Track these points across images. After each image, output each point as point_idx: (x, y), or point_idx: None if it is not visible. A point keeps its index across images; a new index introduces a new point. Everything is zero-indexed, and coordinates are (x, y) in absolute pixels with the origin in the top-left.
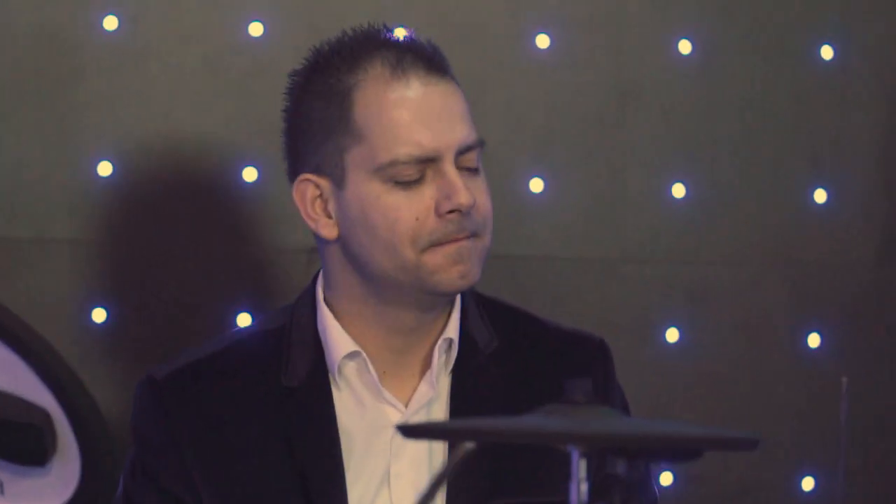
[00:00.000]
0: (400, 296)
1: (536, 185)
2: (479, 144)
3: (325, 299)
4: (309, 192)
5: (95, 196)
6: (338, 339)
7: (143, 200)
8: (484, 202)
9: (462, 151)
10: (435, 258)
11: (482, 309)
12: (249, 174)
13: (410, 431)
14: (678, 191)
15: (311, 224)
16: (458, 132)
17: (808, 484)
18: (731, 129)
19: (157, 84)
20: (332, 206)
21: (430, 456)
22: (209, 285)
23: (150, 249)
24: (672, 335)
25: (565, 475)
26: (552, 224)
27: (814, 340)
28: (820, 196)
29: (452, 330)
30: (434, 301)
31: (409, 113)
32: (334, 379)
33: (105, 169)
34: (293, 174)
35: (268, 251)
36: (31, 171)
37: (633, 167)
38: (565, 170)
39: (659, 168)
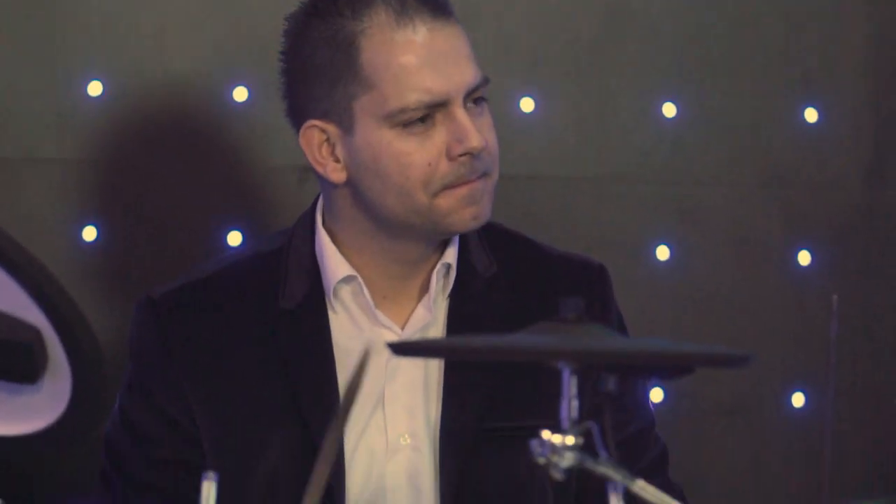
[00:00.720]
0: (409, 235)
1: (527, 104)
2: (486, 83)
3: (324, 224)
4: (315, 138)
5: (86, 116)
6: (334, 263)
7: (134, 120)
8: (493, 141)
9: (470, 92)
10: (448, 201)
11: (481, 234)
12: (240, 94)
13: (401, 349)
14: (669, 110)
15: (319, 169)
16: (467, 75)
17: (798, 400)
18: (721, 49)
19: (148, 3)
20: (339, 151)
21: (426, 379)
22: (199, 204)
23: (141, 168)
24: (662, 253)
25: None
26: (543, 144)
27: (804, 258)
28: (811, 115)
29: (451, 255)
30: (442, 238)
31: (417, 58)
32: (330, 302)
33: (95, 89)
34: (295, 117)
35: (258, 170)
36: (22, 90)
37: (624, 87)
38: (556, 89)
39: (649, 88)
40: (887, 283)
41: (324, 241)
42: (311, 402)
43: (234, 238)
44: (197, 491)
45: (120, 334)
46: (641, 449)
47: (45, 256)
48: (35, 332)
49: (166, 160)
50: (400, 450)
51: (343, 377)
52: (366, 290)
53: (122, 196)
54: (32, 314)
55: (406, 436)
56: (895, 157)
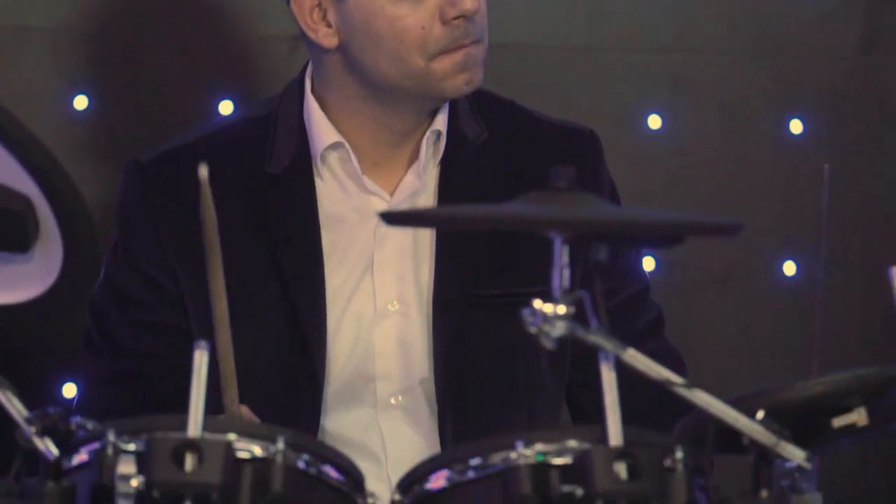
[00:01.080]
0: (400, 100)
1: None
2: None
3: (313, 91)
4: (307, 3)
5: None
6: (322, 129)
7: None
8: (483, 6)
9: None
10: (443, 65)
11: (472, 101)
12: None
13: (392, 218)
14: None
15: (311, 34)
16: None
17: (789, 269)
18: None
19: None
20: (331, 16)
21: (415, 245)
22: (191, 72)
23: (132, 37)
24: (654, 122)
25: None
26: (535, 12)
27: (796, 127)
28: None
29: (441, 122)
30: (433, 104)
31: None
32: (317, 168)
33: None
34: None
35: (250, 39)
36: None
37: None
38: None
39: None
40: (879, 152)
41: (312, 107)
42: (293, 266)
43: (226, 107)
44: (181, 356)
45: (110, 203)
46: (636, 314)
47: (35, 125)
48: (26, 202)
49: (158, 29)
50: (388, 315)
51: (328, 243)
52: (353, 157)
53: (114, 65)
54: (23, 184)
55: (395, 301)
56: (888, 25)
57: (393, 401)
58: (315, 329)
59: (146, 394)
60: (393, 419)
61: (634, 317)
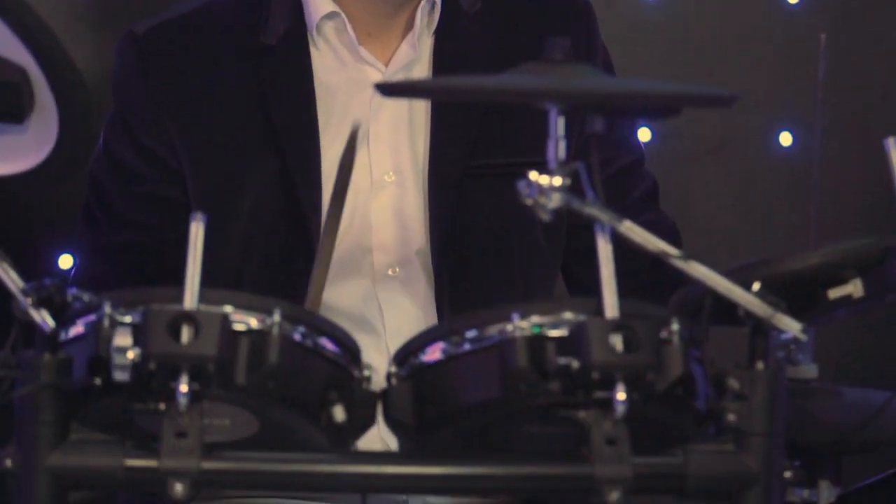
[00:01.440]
0: None
1: None
2: None
3: None
4: None
5: None
6: None
7: None
8: None
9: None
10: None
11: None
12: None
13: (389, 89)
14: None
15: None
16: None
17: (785, 139)
18: None
19: None
20: None
21: (410, 117)
22: None
23: None
24: None
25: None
26: None
27: None
28: None
29: None
30: None
31: None
32: (313, 38)
33: None
34: None
35: None
36: None
37: None
38: None
39: None
40: (875, 22)
41: None
42: (289, 135)
43: None
44: (177, 228)
45: (106, 72)
46: (631, 184)
47: None
48: (21, 73)
49: None
50: (385, 186)
51: (323, 114)
52: (349, 27)
53: None
54: (19, 54)
55: (391, 172)
56: None
57: (390, 272)
58: (311, 200)
59: (143, 265)
60: (390, 290)
61: (630, 187)
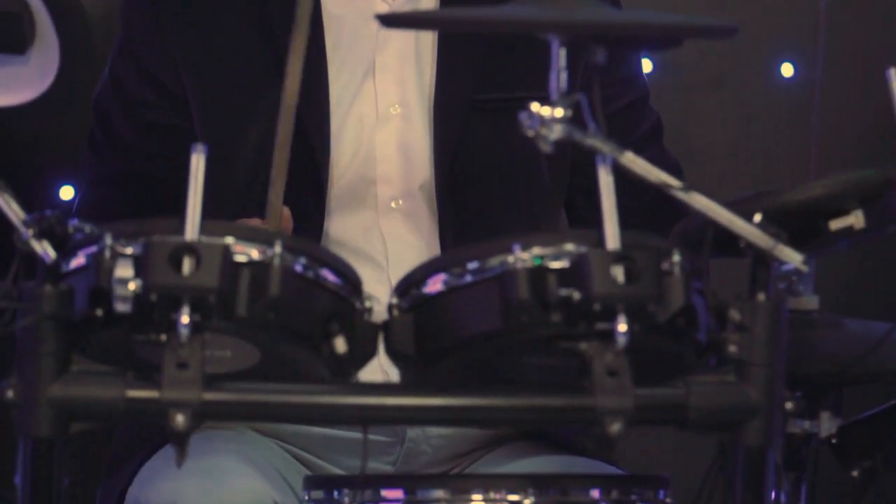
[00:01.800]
0: None
1: None
2: None
3: None
4: None
5: None
6: None
7: None
8: None
9: None
10: None
11: None
12: None
13: (390, 20)
14: None
15: None
16: None
17: (787, 70)
18: None
19: None
20: None
21: (417, 49)
22: None
23: None
24: None
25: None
26: None
27: None
28: None
29: None
30: None
31: None
32: None
33: None
34: None
35: None
36: None
37: None
38: None
39: None
40: None
41: None
42: None
43: None
44: (182, 157)
45: (108, 4)
46: (635, 120)
47: None
48: (22, 3)
49: None
50: (390, 119)
51: (331, 45)
52: None
53: None
54: None
55: (396, 105)
56: None
57: (393, 204)
58: (318, 131)
59: (148, 194)
60: (394, 223)
61: (633, 123)
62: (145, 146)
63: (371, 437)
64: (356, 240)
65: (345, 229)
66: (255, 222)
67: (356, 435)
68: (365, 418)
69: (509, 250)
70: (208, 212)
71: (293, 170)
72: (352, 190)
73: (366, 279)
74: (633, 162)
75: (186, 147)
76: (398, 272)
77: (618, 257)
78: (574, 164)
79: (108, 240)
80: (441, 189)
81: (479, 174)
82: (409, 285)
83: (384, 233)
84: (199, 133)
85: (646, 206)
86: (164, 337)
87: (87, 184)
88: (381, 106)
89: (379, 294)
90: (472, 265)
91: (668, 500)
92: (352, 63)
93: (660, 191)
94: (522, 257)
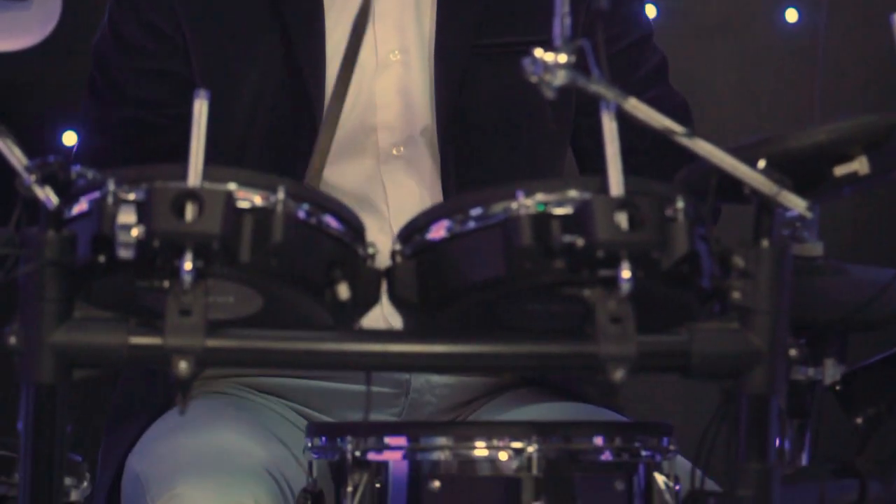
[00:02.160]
0: None
1: None
2: None
3: None
4: None
5: None
6: None
7: None
8: None
9: None
10: None
11: None
12: None
13: None
14: None
15: None
16: None
17: (791, 15)
18: None
19: None
20: None
21: None
22: None
23: None
24: None
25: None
26: None
27: None
28: None
29: None
30: None
31: None
32: None
33: None
34: None
35: None
36: None
37: None
38: None
39: None
40: None
41: None
42: (294, 13)
43: None
44: (181, 104)
45: None
46: (639, 60)
47: None
48: None
49: None
50: (390, 65)
51: None
52: None
53: None
54: None
55: (396, 52)
56: None
57: (395, 151)
58: (315, 79)
59: (146, 141)
60: (395, 170)
61: (638, 63)
62: (143, 93)
63: (375, 388)
64: (357, 188)
65: (345, 178)
66: None
67: (360, 387)
68: (368, 365)
69: (513, 196)
70: (208, 158)
71: (289, 117)
72: (351, 137)
73: (367, 227)
74: (637, 108)
75: (184, 94)
76: (400, 220)
77: (621, 203)
78: (580, 107)
79: (111, 186)
80: (443, 135)
81: (481, 120)
82: (412, 231)
83: (385, 180)
84: (197, 80)
85: (649, 148)
86: (166, 283)
87: (86, 131)
88: (381, 52)
89: (380, 243)
90: (475, 211)
91: (671, 447)
92: (351, 9)
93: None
94: (526, 203)
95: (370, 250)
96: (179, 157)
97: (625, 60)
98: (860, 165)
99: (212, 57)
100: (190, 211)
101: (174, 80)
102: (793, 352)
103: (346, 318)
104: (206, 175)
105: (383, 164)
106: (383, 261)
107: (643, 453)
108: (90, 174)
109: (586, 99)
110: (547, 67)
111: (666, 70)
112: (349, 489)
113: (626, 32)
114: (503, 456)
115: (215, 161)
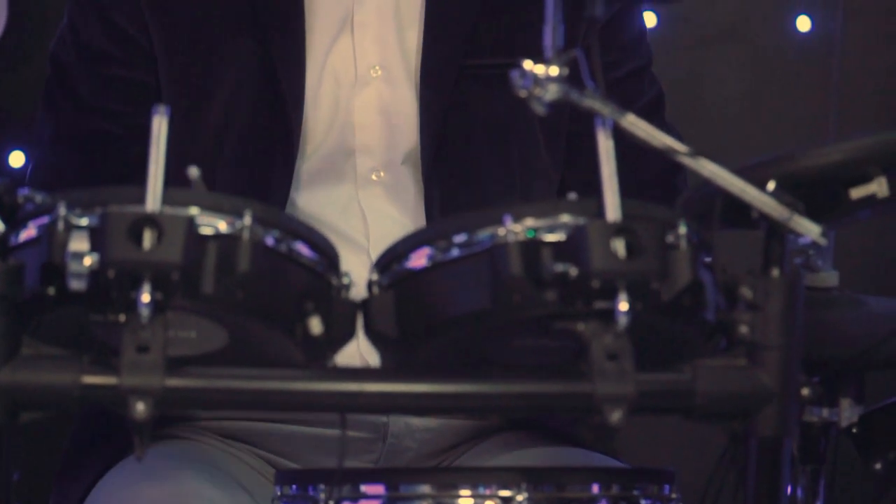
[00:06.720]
0: None
1: None
2: None
3: None
4: None
5: None
6: None
7: None
8: None
9: None
10: None
11: None
12: None
13: None
14: None
15: None
16: None
17: (803, 24)
18: None
19: None
20: None
21: (398, 7)
22: None
23: None
24: None
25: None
26: None
27: None
28: None
29: None
30: None
31: None
32: None
33: None
34: None
35: None
36: None
37: None
38: None
39: None
40: None
41: None
42: (272, 17)
43: None
44: (146, 116)
45: None
46: (636, 90)
47: None
48: None
49: None
50: (370, 82)
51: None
52: None
53: None
54: None
55: (377, 67)
56: None
57: (374, 177)
58: (293, 89)
59: (109, 156)
60: (375, 197)
61: (636, 93)
62: (106, 103)
63: (350, 433)
64: (333, 217)
65: (319, 206)
66: None
67: (333, 431)
68: (343, 406)
69: (500, 222)
70: (174, 176)
71: (264, 132)
72: (328, 162)
73: (345, 259)
74: (635, 125)
75: (150, 105)
76: (380, 251)
77: (618, 229)
78: (573, 134)
79: (62, 210)
80: (427, 160)
81: (470, 145)
82: (390, 260)
83: (364, 208)
84: (165, 90)
85: (650, 175)
86: (122, 317)
87: (41, 145)
88: (361, 67)
89: (359, 276)
90: (460, 238)
91: (673, 495)
92: (330, 17)
93: (665, 162)
94: (514, 229)
95: (345, 280)
96: (142, 175)
97: (623, 89)
98: (879, 187)
99: (181, 65)
100: (148, 238)
101: (139, 90)
102: (805, 391)
103: (318, 355)
104: (166, 199)
105: (361, 191)
106: (359, 292)
107: (643, 502)
108: (39, 198)
109: (577, 128)
110: (537, 81)
111: (663, 104)
112: None
113: (624, 60)
114: None
115: (183, 181)
